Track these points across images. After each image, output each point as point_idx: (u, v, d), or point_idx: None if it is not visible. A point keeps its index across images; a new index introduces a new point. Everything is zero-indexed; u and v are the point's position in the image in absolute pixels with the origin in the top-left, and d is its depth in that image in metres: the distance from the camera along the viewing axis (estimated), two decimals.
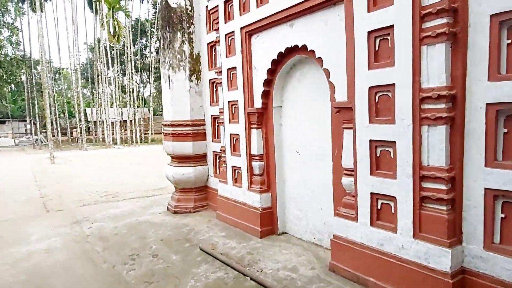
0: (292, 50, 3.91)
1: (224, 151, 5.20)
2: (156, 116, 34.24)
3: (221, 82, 5.12)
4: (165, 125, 5.91)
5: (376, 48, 2.91)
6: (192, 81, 5.77)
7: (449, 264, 2.53)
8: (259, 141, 4.54)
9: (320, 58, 3.50)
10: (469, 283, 2.57)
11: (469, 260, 2.60)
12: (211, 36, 5.54)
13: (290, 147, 4.33)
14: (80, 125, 22.28)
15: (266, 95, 4.39)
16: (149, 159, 16.39)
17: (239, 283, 3.40)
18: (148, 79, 37.86)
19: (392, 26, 2.76)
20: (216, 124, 5.74)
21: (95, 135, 28.36)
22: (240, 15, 4.44)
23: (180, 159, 5.88)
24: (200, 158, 5.98)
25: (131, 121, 26.31)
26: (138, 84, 31.70)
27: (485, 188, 2.48)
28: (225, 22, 4.80)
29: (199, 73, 5.83)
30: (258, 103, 4.45)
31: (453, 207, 2.63)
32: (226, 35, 4.81)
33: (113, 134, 24.36)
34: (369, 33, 2.92)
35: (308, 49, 3.63)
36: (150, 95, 32.68)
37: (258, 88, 4.42)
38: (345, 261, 3.28)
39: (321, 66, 3.59)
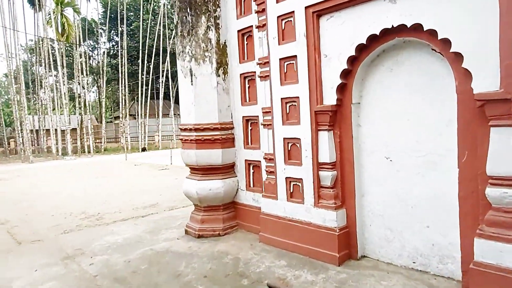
0: (390, 32, 3.15)
1: (270, 159, 4.27)
2: (107, 123, 31.58)
3: (265, 76, 4.21)
4: (185, 129, 4.81)
5: None
6: (219, 75, 4.75)
7: None
8: (331, 146, 3.70)
9: (445, 39, 2.77)
10: None
11: None
12: (244, 22, 4.60)
13: (374, 153, 3.55)
14: (21, 134, 19.48)
15: (342, 89, 3.58)
16: (113, 171, 14.63)
17: None
18: (96, 83, 34.98)
19: None
20: (249, 127, 4.79)
21: (38, 145, 25.20)
22: None
23: (205, 170, 4.81)
24: (228, 169, 4.96)
25: (81, 128, 23.78)
26: (85, 89, 28.99)
27: None
28: (278, 1, 3.91)
29: (226, 67, 4.83)
30: (330, 99, 3.61)
31: None
32: (278, 17, 3.92)
33: (63, 143, 21.71)
34: None
35: (424, 29, 2.88)
36: (101, 100, 30.01)
37: (331, 81, 3.59)
38: None
39: (439, 49, 2.87)
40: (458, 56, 2.74)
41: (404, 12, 2.99)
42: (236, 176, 5.00)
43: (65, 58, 23.69)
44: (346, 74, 3.52)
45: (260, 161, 4.64)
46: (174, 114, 29.10)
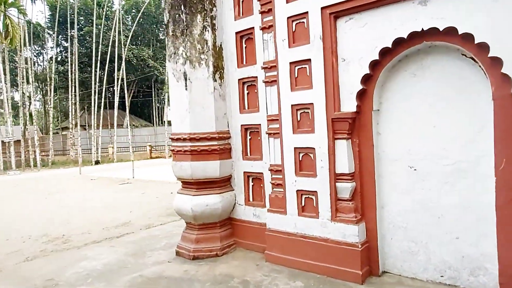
0: (418, 36, 3.02)
1: (277, 171, 3.96)
2: (54, 135, 29.23)
3: (271, 81, 3.92)
4: (178, 139, 4.35)
5: None
6: (216, 80, 4.38)
7: None
8: (350, 155, 3.48)
9: (482, 44, 2.68)
10: None
11: None
12: (243, 23, 4.31)
13: (396, 162, 3.38)
14: None
15: (361, 95, 3.39)
16: (68, 186, 13.36)
17: None
18: (41, 91, 32.43)
19: None
20: (249, 137, 4.45)
21: None
22: None
23: (201, 184, 4.36)
24: (225, 182, 4.56)
25: (26, 140, 21.67)
26: (30, 97, 26.65)
27: None
28: (288, 1, 3.66)
29: (222, 71, 4.47)
30: (349, 106, 3.41)
31: None
32: (289, 18, 3.67)
33: (4, 156, 19.55)
34: None
35: (459, 33, 2.78)
36: (48, 109, 27.76)
37: (350, 87, 3.39)
38: None
39: (473, 54, 2.79)
40: (496, 61, 2.65)
41: (436, 15, 2.87)
42: (233, 190, 4.60)
43: (8, 64, 21.61)
44: (367, 80, 3.34)
45: (262, 173, 4.31)
46: (130, 125, 27.74)
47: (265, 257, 4.05)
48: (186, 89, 4.28)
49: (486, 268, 2.95)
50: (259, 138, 4.35)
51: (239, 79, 4.42)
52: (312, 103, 3.59)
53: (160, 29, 34.43)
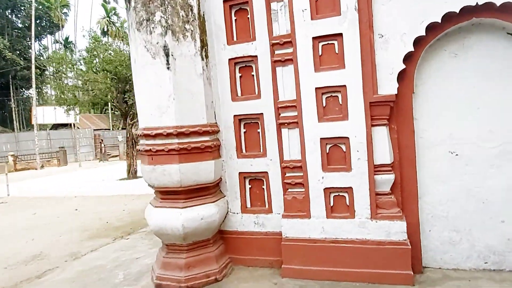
0: (469, 11, 2.82)
1: (294, 167, 3.31)
2: None
3: (285, 60, 3.25)
4: (155, 135, 3.24)
5: None
6: (203, 59, 3.45)
7: None
8: (389, 144, 3.09)
9: None
10: None
11: None
12: None
13: (434, 148, 3.14)
14: None
15: (401, 76, 3.04)
16: None
17: None
18: None
19: None
20: (243, 130, 3.66)
21: None
22: None
23: (192, 192, 3.36)
24: (217, 187, 3.66)
25: None
26: None
27: None
28: None
29: (206, 48, 3.56)
30: (389, 88, 3.02)
31: None
32: None
33: None
34: None
35: None
36: None
37: (390, 67, 3.00)
38: None
39: None
40: None
41: None
42: (225, 196, 3.73)
43: None
44: (408, 58, 3.00)
45: (265, 172, 3.58)
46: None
47: (282, 272, 3.36)
48: (168, 68, 3.22)
49: None
50: (258, 130, 3.61)
51: (230, 59, 3.57)
52: (345, 85, 3.07)
53: (19, 15, 28.56)
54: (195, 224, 3.29)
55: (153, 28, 3.21)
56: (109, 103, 25.07)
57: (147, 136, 3.28)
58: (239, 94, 3.62)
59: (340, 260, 3.17)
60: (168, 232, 3.31)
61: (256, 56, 3.49)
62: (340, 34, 3.05)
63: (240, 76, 3.62)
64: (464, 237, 3.14)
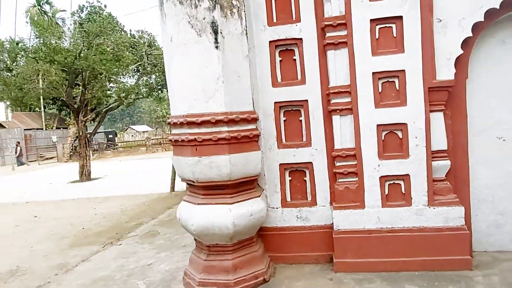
0: None
1: (347, 156, 3.16)
2: None
3: (338, 43, 3.09)
4: (202, 123, 2.87)
5: None
6: (247, 39, 3.14)
7: None
8: (443, 130, 3.08)
9: None
10: None
11: None
12: None
13: (482, 134, 3.21)
14: None
15: (457, 62, 3.04)
16: None
17: None
18: None
19: None
20: (283, 118, 3.42)
21: None
22: None
23: (240, 186, 3.03)
24: (257, 181, 3.36)
25: None
26: None
27: None
28: None
29: (246, 28, 3.25)
30: (446, 73, 3.00)
31: None
32: None
33: None
34: None
35: None
36: None
37: (448, 52, 2.99)
38: None
39: None
40: None
41: None
42: (263, 190, 3.45)
43: None
44: (466, 44, 3.01)
45: (310, 162, 3.38)
46: None
47: (336, 267, 3.19)
48: (217, 47, 2.86)
49: None
50: (300, 118, 3.39)
51: (270, 41, 3.31)
52: (403, 70, 3.00)
53: None
54: (245, 221, 2.97)
55: (199, 1, 2.83)
56: (47, 100, 22.75)
57: (191, 124, 2.88)
58: (279, 79, 3.37)
59: (398, 249, 3.10)
60: (215, 232, 2.94)
61: (300, 39, 3.27)
62: (400, 17, 2.96)
63: (280, 60, 3.37)
64: (509, 220, 3.25)
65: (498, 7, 2.90)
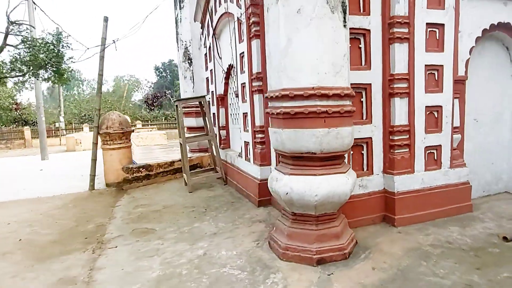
0: (499, 25, 4.32)
1: (403, 131, 3.91)
2: None
3: (403, 38, 3.79)
4: (334, 95, 3.01)
5: None
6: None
7: None
8: (458, 112, 4.23)
9: None
10: None
11: None
12: None
13: (466, 117, 4.52)
14: None
15: (466, 63, 4.23)
16: None
17: None
18: None
19: None
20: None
21: None
22: None
23: (341, 158, 3.32)
24: None
25: None
26: None
27: None
28: None
29: None
30: (462, 70, 4.16)
31: None
32: None
33: None
34: None
35: None
36: None
37: (462, 55, 4.14)
38: None
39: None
40: None
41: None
42: None
43: None
44: (470, 51, 4.23)
45: (370, 137, 3.95)
46: None
47: (397, 222, 3.89)
48: (345, 26, 3.09)
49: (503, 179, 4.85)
50: (362, 99, 3.92)
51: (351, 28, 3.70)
52: (442, 65, 3.97)
53: None
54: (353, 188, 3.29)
55: None
56: None
57: (323, 96, 2.99)
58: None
59: (434, 203, 4.04)
60: (334, 200, 3.14)
61: (369, 30, 3.80)
62: (442, 25, 3.91)
63: (349, 46, 3.79)
64: (479, 176, 4.68)
65: (488, 28, 4.23)
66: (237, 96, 5.75)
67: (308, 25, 2.97)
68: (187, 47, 8.84)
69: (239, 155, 5.97)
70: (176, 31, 9.16)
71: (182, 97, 9.26)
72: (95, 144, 7.24)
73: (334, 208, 3.26)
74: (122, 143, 7.39)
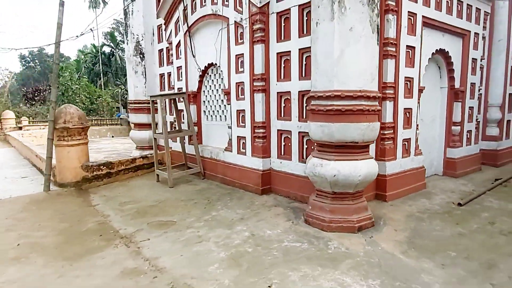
0: (437, 52, 5.88)
1: (390, 127, 5.06)
2: None
3: (392, 55, 4.93)
4: (372, 97, 3.87)
5: None
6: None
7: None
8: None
9: (451, 59, 6.15)
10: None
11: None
12: None
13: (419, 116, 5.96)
14: None
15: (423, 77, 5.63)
16: None
17: None
18: None
19: None
20: None
21: None
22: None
23: (368, 147, 4.23)
24: None
25: None
26: None
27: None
28: None
29: None
30: (422, 82, 5.54)
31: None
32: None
33: None
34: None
35: (449, 54, 6.05)
36: None
37: (421, 71, 5.52)
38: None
39: (447, 64, 6.19)
40: (452, 68, 6.24)
41: (444, 42, 5.92)
42: None
43: None
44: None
45: None
46: None
47: (388, 197, 5.00)
48: (377, 44, 3.99)
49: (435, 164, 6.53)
50: None
51: None
52: (413, 77, 5.27)
53: None
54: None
55: (374, 7, 3.84)
56: None
57: (367, 97, 3.83)
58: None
59: (407, 182, 5.31)
60: (369, 179, 4.02)
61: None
62: (414, 47, 5.19)
63: None
64: (428, 159, 6.20)
65: (434, 52, 5.73)
66: (227, 94, 6.13)
67: (358, 42, 3.77)
68: (139, 41, 8.58)
69: (225, 150, 6.35)
70: (126, 23, 8.78)
71: (130, 92, 8.93)
72: (50, 140, 6.52)
73: (365, 186, 4.13)
74: (81, 139, 6.86)
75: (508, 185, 6.08)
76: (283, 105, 5.37)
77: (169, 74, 8.31)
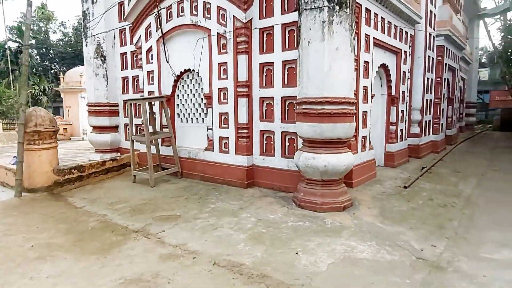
0: (381, 66, 7.25)
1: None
2: None
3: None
4: (349, 103, 4.90)
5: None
6: None
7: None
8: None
9: (390, 72, 7.61)
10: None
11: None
12: None
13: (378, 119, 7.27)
14: None
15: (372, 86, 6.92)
16: None
17: None
18: None
19: None
20: None
21: None
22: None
23: (347, 142, 5.26)
24: None
25: None
26: None
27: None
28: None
29: None
30: (373, 90, 6.82)
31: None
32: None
33: None
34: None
35: (388, 68, 7.49)
36: None
37: (372, 81, 6.81)
38: None
39: (386, 75, 7.64)
40: (390, 78, 7.72)
41: (388, 58, 7.32)
42: None
43: None
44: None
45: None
46: None
47: (353, 184, 6.11)
48: (354, 60, 5.04)
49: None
50: None
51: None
52: (368, 86, 6.49)
53: None
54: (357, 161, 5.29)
55: (352, 32, 4.87)
56: None
57: (351, 103, 4.85)
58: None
59: (364, 172, 6.51)
60: (349, 168, 5.04)
61: None
62: (368, 62, 6.42)
63: None
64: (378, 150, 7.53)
65: (380, 66, 7.10)
66: (208, 98, 6.68)
67: (342, 59, 4.75)
68: (100, 44, 8.54)
69: (206, 149, 6.88)
70: (84, 25, 8.64)
71: (90, 95, 8.81)
72: (21, 143, 6.28)
73: (345, 174, 5.14)
74: (52, 142, 6.73)
75: (432, 171, 7.75)
76: (265, 108, 6.14)
77: (135, 78, 8.46)
